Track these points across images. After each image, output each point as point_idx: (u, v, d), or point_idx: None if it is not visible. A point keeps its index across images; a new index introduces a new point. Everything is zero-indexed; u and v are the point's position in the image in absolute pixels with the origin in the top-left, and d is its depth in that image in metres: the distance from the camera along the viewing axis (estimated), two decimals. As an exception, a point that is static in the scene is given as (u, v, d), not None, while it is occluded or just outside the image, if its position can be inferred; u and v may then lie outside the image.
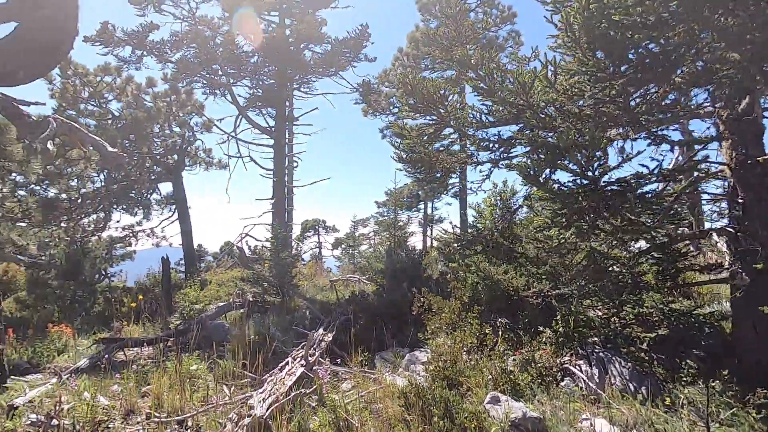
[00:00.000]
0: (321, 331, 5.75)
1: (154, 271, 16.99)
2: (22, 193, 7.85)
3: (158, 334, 6.51)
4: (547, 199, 3.73)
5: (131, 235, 17.52)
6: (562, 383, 4.04)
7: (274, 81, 12.19)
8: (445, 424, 3.17)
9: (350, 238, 20.99)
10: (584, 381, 3.89)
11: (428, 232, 31.08)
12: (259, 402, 3.41)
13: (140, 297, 8.75)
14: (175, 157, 16.01)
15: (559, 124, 3.47)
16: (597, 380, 3.87)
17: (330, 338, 5.61)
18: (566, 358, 4.34)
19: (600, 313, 4.93)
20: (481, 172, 4.89)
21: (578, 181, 3.75)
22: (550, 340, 4.50)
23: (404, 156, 4.76)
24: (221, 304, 8.68)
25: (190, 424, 3.89)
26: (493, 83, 3.47)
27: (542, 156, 3.51)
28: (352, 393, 4.36)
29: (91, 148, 4.30)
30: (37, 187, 9.65)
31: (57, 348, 6.90)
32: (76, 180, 14.09)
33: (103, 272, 23.21)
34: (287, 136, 14.20)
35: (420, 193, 26.79)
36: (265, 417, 3.22)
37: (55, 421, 3.53)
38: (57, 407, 3.61)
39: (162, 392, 4.30)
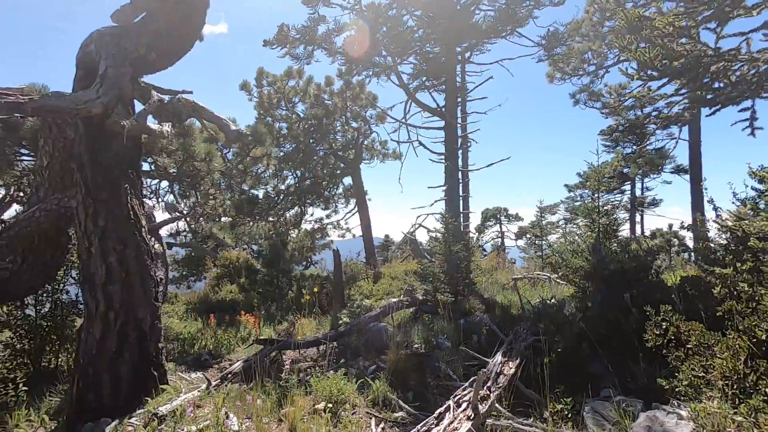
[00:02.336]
0: (499, 358, 4.16)
1: (346, 259, 18.06)
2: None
3: (317, 335, 6.02)
4: None
5: (322, 227, 19.08)
6: None
7: (440, 52, 10.93)
8: None
9: (536, 227, 18.27)
10: None
11: (637, 219, 25.25)
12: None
13: (315, 290, 8.76)
14: (353, 151, 16.53)
15: None
16: None
17: (512, 369, 3.98)
18: None
19: None
20: None
21: None
22: None
23: (647, 58, 2.64)
24: (386, 303, 7.90)
25: (319, 479, 2.93)
26: None
27: None
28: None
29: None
30: (239, 187, 10.72)
31: (241, 336, 7.24)
32: (276, 179, 15.85)
33: (309, 260, 26.41)
34: (459, 115, 12.76)
35: (627, 169, 21.70)
36: None
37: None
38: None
39: (297, 421, 3.50)
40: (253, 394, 4.01)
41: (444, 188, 12.22)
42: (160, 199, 7.38)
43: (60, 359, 5.27)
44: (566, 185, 26.82)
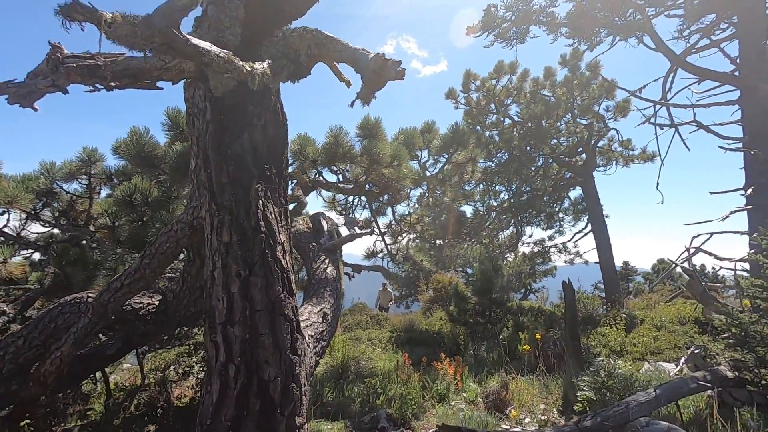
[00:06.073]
0: None
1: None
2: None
3: (543, 428, 3.71)
4: None
5: (543, 250, 16.10)
6: None
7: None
8: None
9: None
10: None
11: None
12: None
13: (538, 336, 6.36)
14: (583, 156, 13.20)
15: None
16: None
17: None
18: None
19: None
20: None
21: None
22: None
23: None
24: (653, 369, 4.85)
25: None
26: None
27: None
28: None
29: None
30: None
31: (436, 390, 5.55)
32: (487, 195, 14.04)
33: (528, 288, 23.36)
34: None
35: None
36: None
37: None
38: None
39: None
40: None
41: (746, 192, 7.85)
42: (351, 215, 6.60)
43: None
44: None
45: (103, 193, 6.85)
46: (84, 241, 6.74)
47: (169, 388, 5.26)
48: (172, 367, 6.82)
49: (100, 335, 4.46)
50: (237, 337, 2.65)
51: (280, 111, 3.04)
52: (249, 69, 1.88)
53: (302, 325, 3.29)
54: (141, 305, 3.64)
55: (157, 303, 3.74)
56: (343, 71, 2.45)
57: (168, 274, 6.14)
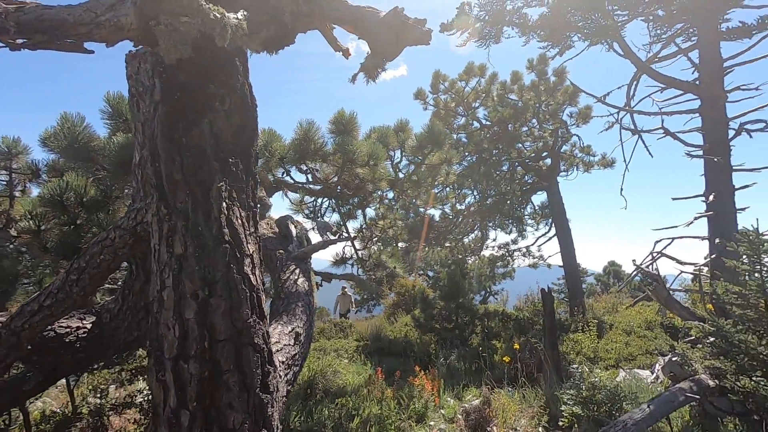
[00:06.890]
0: None
1: (533, 293, 14.88)
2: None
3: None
4: None
5: (507, 254, 16.21)
6: None
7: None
8: None
9: None
10: None
11: None
12: None
13: (516, 346, 6.11)
14: (548, 161, 13.36)
15: None
16: None
17: None
18: None
19: None
20: None
21: None
22: None
23: None
24: (638, 377, 4.70)
25: None
26: None
27: None
28: None
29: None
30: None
31: (414, 410, 5.13)
32: (454, 198, 13.88)
33: (487, 290, 23.51)
34: (724, 87, 8.45)
35: None
36: None
37: None
38: None
39: None
40: None
41: (707, 199, 8.07)
42: (321, 219, 6.08)
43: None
44: None
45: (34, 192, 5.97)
46: (11, 248, 5.78)
47: (107, 420, 4.50)
48: (112, 386, 5.99)
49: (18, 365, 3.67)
50: (192, 375, 2.08)
51: (249, 94, 2.51)
52: (218, 15, 1.37)
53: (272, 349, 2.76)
54: (68, 330, 2.95)
55: (89, 326, 3.06)
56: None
57: (106, 285, 5.34)
